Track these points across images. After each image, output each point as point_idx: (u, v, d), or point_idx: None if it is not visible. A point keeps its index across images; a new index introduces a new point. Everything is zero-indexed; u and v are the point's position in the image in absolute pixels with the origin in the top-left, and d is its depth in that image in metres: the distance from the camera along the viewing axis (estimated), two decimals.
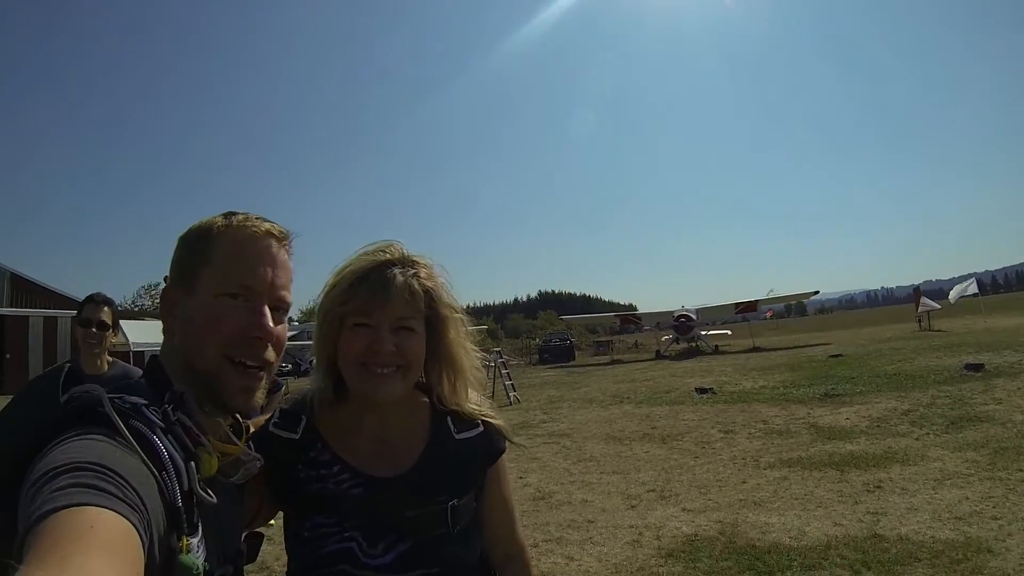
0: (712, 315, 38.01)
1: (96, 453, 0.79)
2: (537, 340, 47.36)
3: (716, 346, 33.45)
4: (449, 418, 1.41)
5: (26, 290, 30.98)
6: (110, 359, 3.73)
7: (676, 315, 34.68)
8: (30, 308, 30.14)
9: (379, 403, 1.34)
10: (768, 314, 51.98)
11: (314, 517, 1.31)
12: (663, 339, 35.94)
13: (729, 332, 39.36)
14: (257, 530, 1.32)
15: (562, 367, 33.07)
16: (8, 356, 28.79)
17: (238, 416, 1.19)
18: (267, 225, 1.15)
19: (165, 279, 1.17)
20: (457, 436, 1.40)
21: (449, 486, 1.35)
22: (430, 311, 1.34)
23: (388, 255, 1.33)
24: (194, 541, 0.90)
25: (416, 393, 1.43)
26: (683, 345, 34.64)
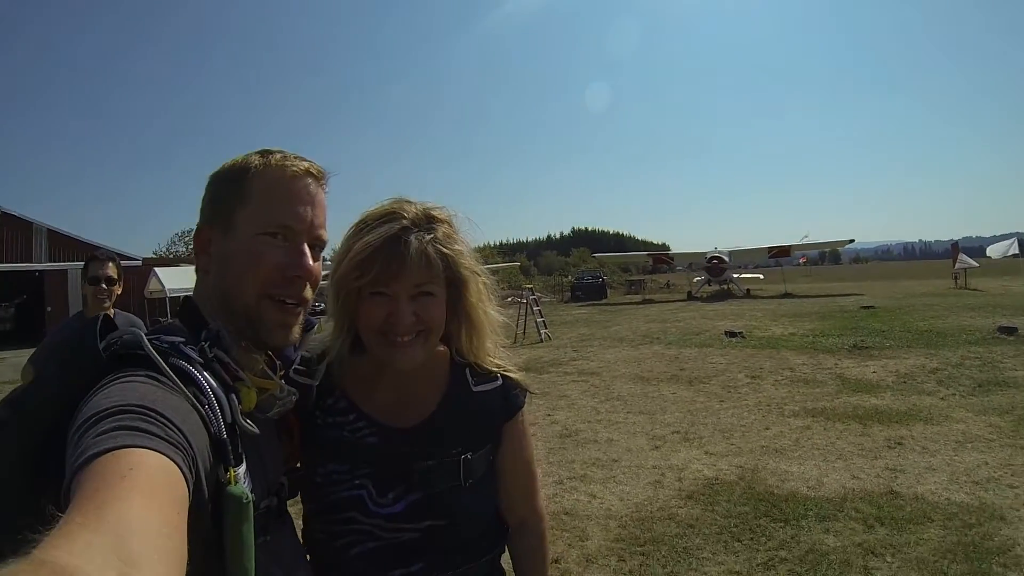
0: (745, 258, 37.25)
1: (138, 394, 0.79)
2: (569, 278, 47.11)
3: (748, 290, 33.05)
4: (467, 370, 1.39)
5: (63, 244, 31.43)
6: (113, 311, 3.87)
7: (709, 256, 34.05)
8: (68, 262, 30.65)
9: (400, 369, 1.30)
10: (802, 260, 50.70)
11: (327, 464, 1.31)
12: (695, 280, 35.50)
13: (761, 276, 38.68)
14: (297, 466, 1.34)
15: (594, 305, 33.05)
16: (49, 309, 29.34)
17: (271, 353, 1.21)
18: (305, 164, 1.13)
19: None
20: (474, 388, 1.38)
21: (463, 439, 1.34)
22: (450, 274, 1.28)
23: (402, 220, 1.24)
24: (240, 472, 0.90)
25: (437, 349, 1.39)
26: (715, 287, 34.33)
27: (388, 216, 1.25)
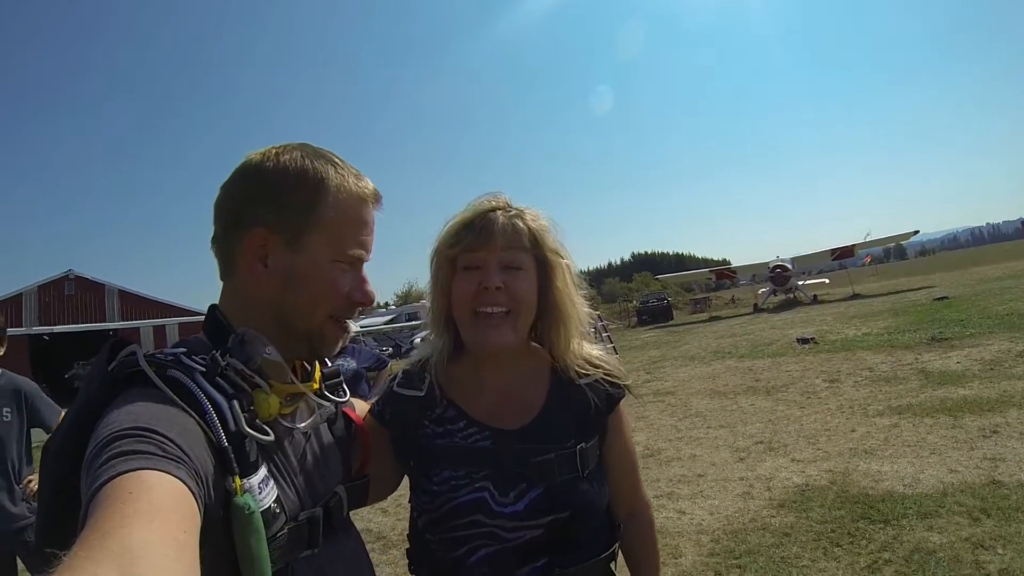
0: (808, 263, 35.72)
1: (132, 416, 0.77)
2: (634, 302, 46.28)
3: (815, 296, 31.57)
4: (567, 367, 1.38)
5: (134, 303, 33.33)
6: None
7: (771, 266, 32.97)
8: (139, 320, 32.28)
9: (493, 352, 1.32)
10: (866, 259, 48.62)
11: (442, 471, 1.30)
12: (760, 292, 34.33)
13: (827, 280, 36.90)
14: (363, 474, 1.27)
15: (661, 327, 32.18)
16: None
17: (306, 364, 1.16)
18: (371, 185, 1.10)
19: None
20: (577, 382, 1.37)
21: (575, 430, 1.33)
22: (537, 252, 1.33)
23: (493, 203, 1.34)
24: (253, 481, 0.87)
25: (533, 347, 1.42)
26: (781, 297, 33.00)
27: (480, 203, 1.35)
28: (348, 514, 1.16)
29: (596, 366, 1.39)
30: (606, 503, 1.36)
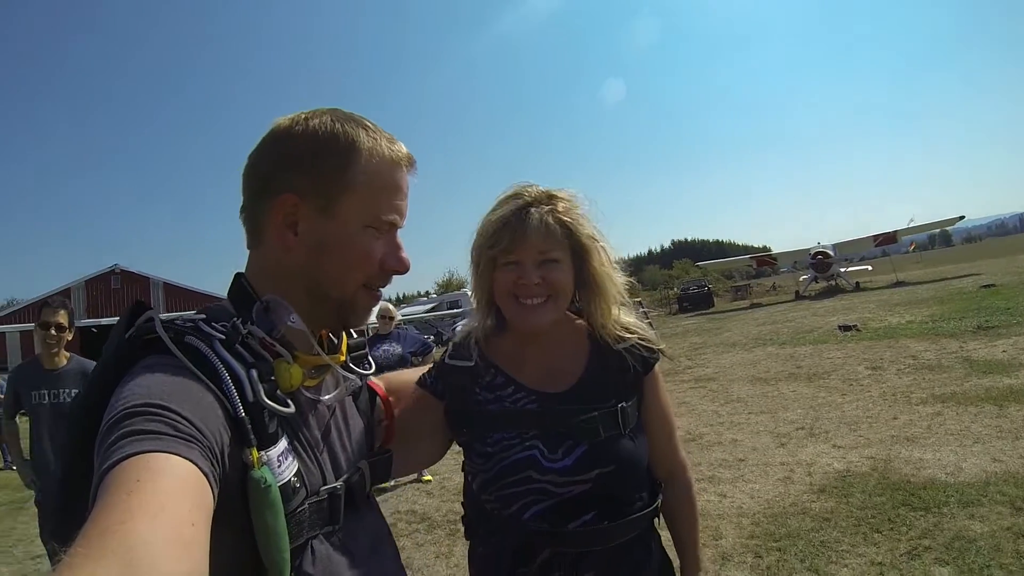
0: (850, 250, 34.66)
1: (146, 391, 0.74)
2: (675, 290, 45.79)
3: (857, 283, 30.80)
4: (605, 335, 1.45)
5: (178, 295, 34.73)
6: (68, 354, 4.14)
7: (813, 252, 32.14)
8: (183, 311, 33.45)
9: (533, 332, 1.41)
10: (911, 246, 47.18)
11: (494, 433, 1.39)
12: (801, 279, 33.58)
13: (870, 267, 35.84)
14: (386, 448, 1.25)
15: (702, 314, 31.87)
16: None
17: (332, 336, 1.13)
18: (405, 150, 1.05)
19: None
20: (615, 348, 1.44)
21: (615, 391, 1.40)
22: (572, 242, 1.38)
23: (525, 197, 1.39)
24: (272, 454, 0.84)
25: (572, 318, 1.51)
26: (822, 284, 32.27)
27: (513, 196, 1.40)
28: (371, 490, 1.12)
29: (632, 332, 1.46)
30: (646, 460, 1.43)
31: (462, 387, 1.46)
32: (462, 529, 1.54)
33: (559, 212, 1.38)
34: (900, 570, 3.49)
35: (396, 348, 6.43)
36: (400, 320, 7.42)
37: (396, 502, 6.17)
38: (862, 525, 4.13)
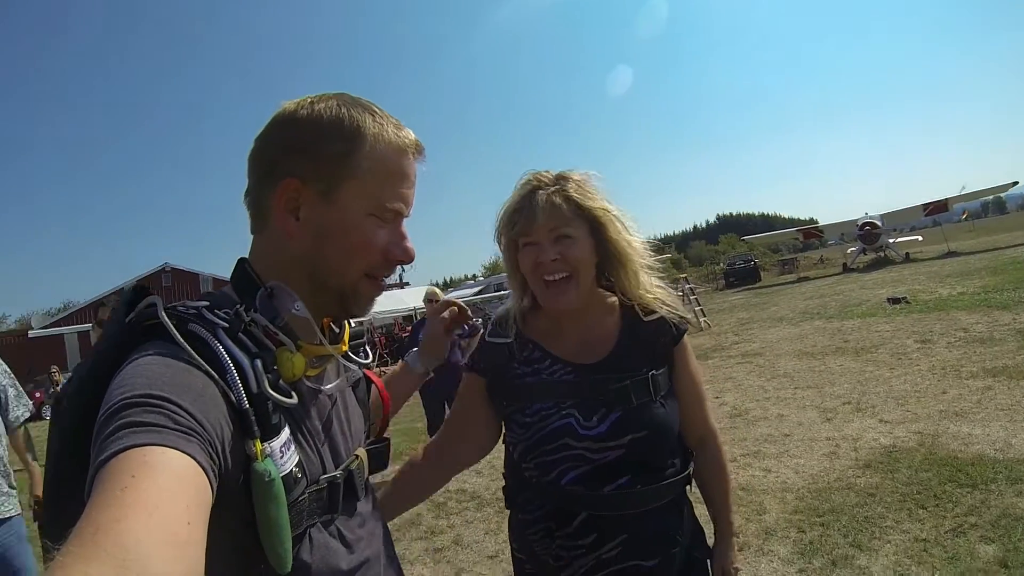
0: (898, 220, 33.50)
1: (145, 381, 0.72)
2: (721, 265, 45.12)
3: (907, 254, 29.94)
4: (635, 307, 1.52)
5: None
6: None
7: (860, 223, 31.14)
8: None
9: (562, 311, 1.49)
10: (963, 215, 45.28)
11: (533, 404, 1.48)
12: (849, 251, 32.78)
13: (920, 238, 34.93)
14: (383, 437, 1.28)
15: (748, 289, 31.45)
16: None
17: (333, 325, 1.11)
18: (413, 136, 1.02)
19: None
20: (645, 319, 1.51)
21: (646, 359, 1.47)
22: (586, 217, 1.45)
23: (534, 182, 1.48)
24: (275, 445, 0.82)
25: (603, 293, 1.58)
26: (871, 256, 31.42)
27: (525, 182, 1.51)
28: (368, 478, 1.12)
29: (661, 304, 1.53)
30: (677, 427, 1.49)
31: (502, 363, 1.56)
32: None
33: (567, 191, 1.45)
34: (944, 547, 3.50)
35: None
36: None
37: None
38: (907, 501, 4.14)
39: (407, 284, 31.43)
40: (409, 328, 9.86)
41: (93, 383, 0.78)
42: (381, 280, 1.03)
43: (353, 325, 1.15)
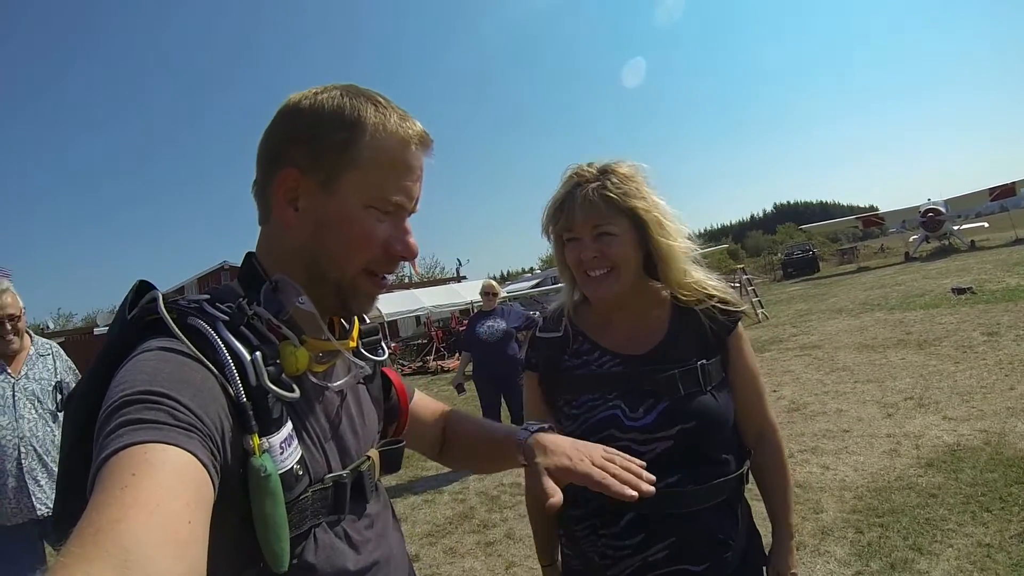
0: (963, 205, 32.04)
1: (145, 377, 0.72)
2: (778, 255, 44.07)
3: (972, 241, 28.71)
4: (685, 296, 1.51)
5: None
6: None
7: (923, 210, 29.75)
8: None
9: (603, 303, 1.51)
10: None
11: (581, 396, 1.48)
12: (911, 239, 31.46)
13: (986, 224, 33.27)
14: (398, 439, 1.22)
15: (807, 279, 30.54)
16: None
17: (343, 321, 1.10)
18: (419, 127, 0.98)
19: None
20: (695, 308, 1.49)
21: (696, 349, 1.45)
22: (626, 211, 1.43)
23: (576, 177, 1.48)
24: (275, 441, 0.81)
25: (651, 285, 1.56)
26: (934, 244, 30.17)
27: (569, 177, 1.51)
28: (379, 479, 1.09)
29: (711, 295, 1.51)
30: (731, 419, 1.47)
31: (553, 356, 1.57)
32: None
33: (607, 188, 1.43)
34: (1009, 552, 3.41)
35: (500, 323, 6.61)
36: (505, 296, 7.60)
37: (501, 474, 6.33)
38: (971, 503, 4.03)
39: (464, 278, 31.59)
40: (466, 322, 9.93)
41: (98, 380, 0.78)
42: (382, 278, 1.00)
43: (368, 321, 1.14)
